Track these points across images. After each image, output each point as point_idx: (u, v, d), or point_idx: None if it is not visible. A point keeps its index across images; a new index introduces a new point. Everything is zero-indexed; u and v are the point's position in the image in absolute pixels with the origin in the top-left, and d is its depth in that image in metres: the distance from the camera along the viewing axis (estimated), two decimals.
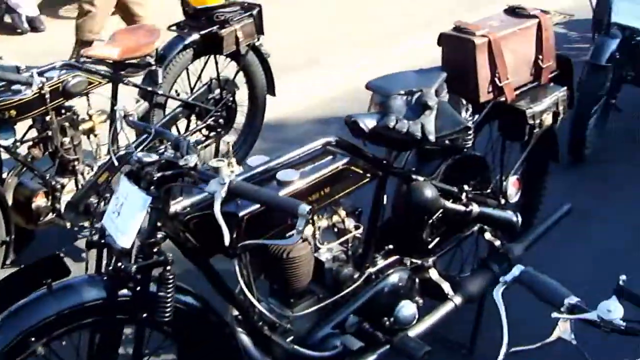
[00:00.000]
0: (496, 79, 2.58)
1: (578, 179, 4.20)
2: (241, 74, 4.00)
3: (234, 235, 1.85)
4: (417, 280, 2.50)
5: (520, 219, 2.73)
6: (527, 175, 3.03)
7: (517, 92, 2.70)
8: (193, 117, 3.87)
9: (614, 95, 4.47)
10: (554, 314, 1.15)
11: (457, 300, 2.51)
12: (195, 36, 3.67)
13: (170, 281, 1.75)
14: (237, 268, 2.00)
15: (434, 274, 2.55)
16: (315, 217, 2.21)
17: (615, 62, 4.21)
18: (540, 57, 2.74)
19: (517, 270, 1.29)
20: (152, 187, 1.70)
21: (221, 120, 3.92)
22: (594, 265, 3.40)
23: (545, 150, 2.98)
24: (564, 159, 3.86)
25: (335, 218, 2.33)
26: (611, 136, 4.62)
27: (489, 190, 2.81)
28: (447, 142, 2.36)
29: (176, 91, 3.85)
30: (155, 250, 1.75)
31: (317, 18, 7.03)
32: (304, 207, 1.56)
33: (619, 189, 4.15)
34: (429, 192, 2.40)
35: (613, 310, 1.13)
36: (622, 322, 1.13)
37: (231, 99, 3.97)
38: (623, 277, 1.19)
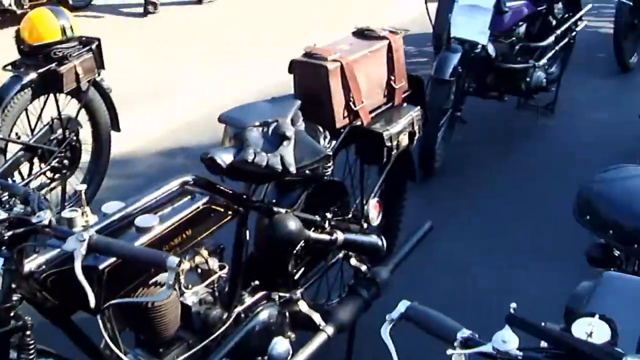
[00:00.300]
0: (351, 104, 2.67)
1: (430, 194, 4.41)
2: (83, 111, 3.93)
3: (97, 290, 1.80)
4: (287, 314, 2.53)
5: (385, 242, 2.82)
6: (386, 196, 3.15)
7: (373, 114, 2.80)
8: (36, 160, 3.78)
9: (458, 108, 4.73)
10: (449, 351, 1.19)
11: (329, 330, 2.53)
12: (32, 75, 3.57)
13: (31, 346, 1.68)
14: (100, 323, 1.94)
15: (303, 306, 2.59)
16: None
17: (458, 75, 4.47)
18: (393, 78, 2.87)
19: (402, 306, 1.33)
20: (3, 248, 1.63)
21: (66, 161, 3.86)
22: (453, 281, 3.59)
23: (402, 170, 3.11)
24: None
25: (198, 259, 2.32)
26: (458, 148, 4.89)
27: (350, 215, 2.89)
28: (307, 172, 2.41)
29: (16, 134, 3.74)
30: (12, 314, 1.67)
31: (160, 48, 7.02)
32: (173, 260, 1.55)
33: (470, 200, 4.39)
34: (292, 224, 2.44)
35: (508, 340, 1.18)
36: (518, 352, 1.18)
37: (75, 138, 3.90)
38: (513, 305, 1.25)
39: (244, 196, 2.39)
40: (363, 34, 2.88)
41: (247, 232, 2.44)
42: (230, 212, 2.30)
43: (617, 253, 1.96)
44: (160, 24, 7.85)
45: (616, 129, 5.46)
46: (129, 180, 4.48)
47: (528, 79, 5.07)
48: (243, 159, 2.25)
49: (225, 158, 2.26)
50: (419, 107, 2.95)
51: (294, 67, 2.70)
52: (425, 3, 4.83)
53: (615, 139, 5.27)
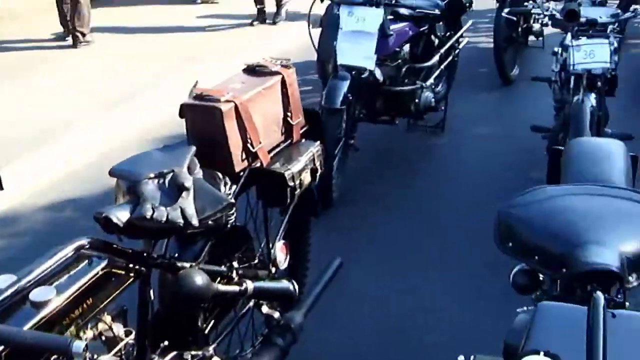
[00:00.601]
0: (249, 145, 2.58)
1: (331, 225, 4.36)
2: None
3: None
4: None
5: (296, 286, 2.74)
6: (291, 236, 3.07)
7: (272, 154, 2.72)
8: None
9: (351, 135, 4.72)
10: None
11: None
12: None
13: None
14: None
15: None
16: (80, 332, 2.03)
17: (348, 103, 4.46)
18: (289, 114, 2.80)
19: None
20: None
21: None
22: (369, 311, 3.55)
23: (306, 208, 3.04)
24: None
25: (102, 326, 2.15)
26: (353, 176, 4.88)
27: (256, 261, 2.80)
28: (210, 222, 2.30)
29: None
30: None
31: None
32: (79, 345, 1.42)
33: (371, 227, 4.38)
34: (199, 279, 2.31)
35: None
36: None
37: None
38: (461, 357, 1.21)
39: (145, 254, 2.25)
40: (254, 71, 2.80)
41: (151, 291, 2.30)
42: (132, 274, 2.16)
43: (541, 277, 1.95)
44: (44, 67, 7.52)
45: (504, 142, 5.61)
46: (16, 239, 4.25)
47: (417, 100, 5.14)
48: (141, 216, 2.12)
49: (121, 216, 2.11)
50: (318, 143, 2.90)
51: (184, 111, 2.58)
52: (309, 31, 4.80)
53: (504, 152, 5.42)
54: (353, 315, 3.53)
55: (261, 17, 9.14)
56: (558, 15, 4.20)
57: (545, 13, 4.30)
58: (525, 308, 1.84)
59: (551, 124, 4.91)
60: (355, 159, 4.94)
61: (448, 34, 5.81)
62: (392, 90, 4.98)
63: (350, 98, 4.48)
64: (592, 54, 4.02)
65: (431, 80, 5.35)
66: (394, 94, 5.01)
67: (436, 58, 5.41)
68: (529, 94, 6.52)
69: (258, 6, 9.10)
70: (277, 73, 2.78)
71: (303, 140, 2.90)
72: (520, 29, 7.23)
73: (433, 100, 5.33)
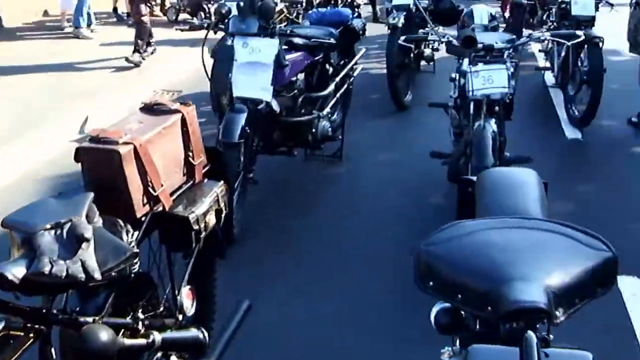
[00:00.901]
0: (150, 189, 2.48)
1: (233, 262, 4.27)
2: None
3: None
4: None
5: (206, 333, 2.65)
6: (197, 281, 2.98)
7: (174, 197, 2.63)
8: None
9: (250, 169, 4.66)
10: None
11: None
12: None
13: None
14: None
15: None
16: None
17: (246, 136, 4.41)
18: (191, 154, 2.72)
19: None
20: None
21: None
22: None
23: (211, 250, 2.96)
24: None
25: None
26: (254, 210, 4.81)
27: (162, 309, 2.69)
28: (113, 274, 2.19)
29: None
30: None
31: None
32: None
33: (275, 262, 4.32)
34: (103, 334, 2.19)
35: None
36: None
37: None
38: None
39: (44, 311, 2.12)
40: (152, 109, 2.71)
41: (53, 350, 2.17)
42: (31, 334, 2.02)
43: (464, 314, 1.93)
44: None
45: (403, 168, 5.69)
46: None
47: (314, 130, 5.15)
48: (38, 271, 1.99)
49: (16, 272, 1.98)
50: (222, 182, 2.83)
51: (80, 154, 2.46)
52: (203, 63, 4.73)
53: (403, 179, 5.49)
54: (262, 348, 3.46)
55: (139, 51, 8.91)
56: (455, 42, 4.27)
57: (443, 40, 4.38)
58: (449, 349, 1.82)
59: (449, 149, 5.00)
60: (254, 191, 4.88)
61: (342, 62, 5.86)
62: (289, 121, 4.96)
63: (248, 131, 4.43)
64: (490, 80, 4.11)
65: (327, 109, 5.37)
66: (291, 124, 4.99)
67: (332, 87, 5.44)
68: (424, 119, 6.66)
69: (138, 40, 8.89)
70: (176, 111, 2.69)
71: (206, 180, 2.82)
72: (412, 55, 7.39)
73: (330, 129, 5.35)
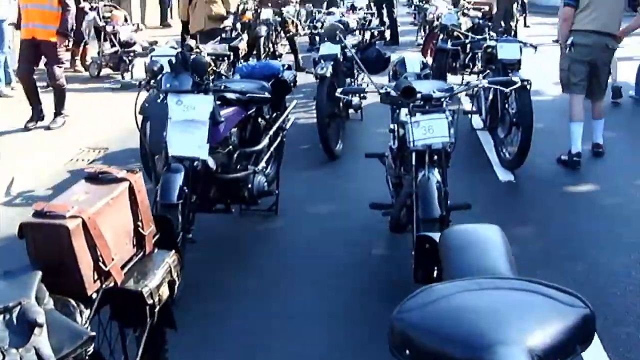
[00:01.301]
0: (100, 264, 2.36)
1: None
2: None
3: None
4: None
5: None
6: (149, 354, 2.84)
7: (125, 270, 2.51)
8: None
9: (188, 229, 4.55)
10: None
11: None
12: None
13: None
14: None
15: None
16: None
17: (185, 196, 4.30)
18: (140, 224, 2.61)
19: None
20: None
21: None
22: None
23: (163, 321, 2.83)
24: None
25: None
26: (192, 270, 4.68)
27: None
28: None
29: None
30: None
31: None
32: None
33: (216, 323, 4.20)
34: None
35: None
36: None
37: None
38: None
39: None
40: (98, 178, 2.59)
41: None
42: None
43: None
44: None
45: (342, 220, 5.65)
46: None
47: (250, 186, 5.07)
48: None
49: None
50: (173, 252, 2.72)
51: (25, 231, 2.32)
52: (136, 121, 4.62)
53: (342, 230, 5.45)
54: None
55: (36, 116, 8.57)
56: (393, 93, 4.27)
57: (381, 91, 4.36)
58: None
59: (387, 199, 4.99)
60: (191, 250, 4.75)
61: (274, 114, 5.82)
62: (225, 178, 4.86)
63: (186, 191, 4.32)
64: (431, 130, 4.11)
65: (262, 164, 5.31)
66: (228, 181, 4.90)
67: (266, 141, 5.38)
68: (358, 169, 6.66)
69: (57, 105, 8.58)
70: (123, 179, 2.58)
71: (156, 250, 2.71)
72: (341, 104, 7.42)
73: (266, 184, 5.28)
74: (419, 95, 4.14)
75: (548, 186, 6.44)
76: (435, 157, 4.19)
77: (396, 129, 4.60)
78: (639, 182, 6.50)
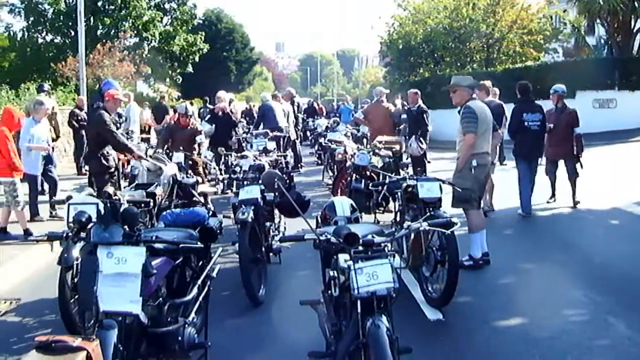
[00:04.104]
0: None
1: None
2: None
3: None
4: None
5: None
6: None
7: None
8: None
9: None
10: None
11: None
12: None
13: None
14: None
15: None
16: None
17: (121, 355, 4.06)
18: None
19: None
20: None
21: None
22: None
23: None
24: None
25: None
26: None
27: None
28: None
29: None
30: None
31: None
32: None
33: None
34: None
35: None
36: None
37: None
38: None
39: None
40: (50, 348, 2.39)
41: None
42: None
43: None
44: None
45: None
46: None
47: (180, 338, 4.84)
48: None
49: None
50: None
51: None
52: (62, 275, 4.38)
53: None
54: None
55: None
56: (333, 239, 4.22)
57: (322, 238, 4.30)
58: None
59: (321, 347, 4.83)
60: None
61: (200, 262, 5.66)
62: (157, 332, 4.64)
63: (121, 348, 4.08)
64: (375, 276, 4.04)
65: (192, 315, 5.10)
66: (159, 336, 4.66)
67: (194, 291, 5.20)
68: (285, 315, 6.52)
69: None
70: (80, 349, 2.40)
71: None
72: (263, 248, 7.32)
73: (196, 336, 5.06)
74: (360, 241, 4.10)
75: (477, 322, 6.43)
76: (381, 303, 4.12)
77: (337, 275, 4.49)
78: (564, 312, 6.59)
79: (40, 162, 10.84)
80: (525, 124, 11.03)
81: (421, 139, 13.12)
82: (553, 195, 12.13)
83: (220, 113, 14.62)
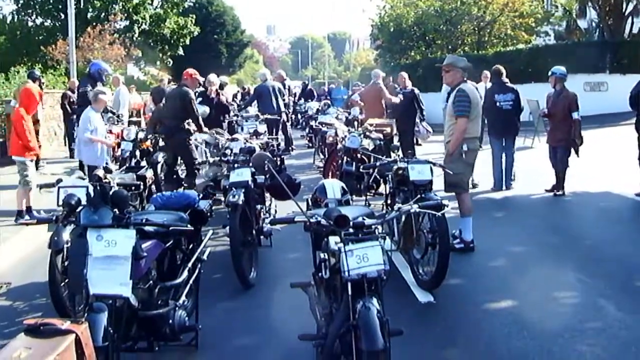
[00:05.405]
0: None
1: None
2: None
3: None
4: None
5: None
6: None
7: None
8: None
9: None
10: None
11: None
12: None
13: None
14: None
15: None
16: None
17: (111, 338, 4.04)
18: None
19: None
20: None
21: None
22: None
23: None
24: None
25: None
26: None
27: None
28: None
29: None
30: None
31: None
32: None
33: None
34: None
35: None
36: None
37: None
38: None
39: None
40: (39, 331, 2.37)
41: None
42: None
43: None
44: None
45: (266, 353, 5.46)
46: None
47: (171, 322, 4.84)
48: None
49: None
50: None
51: None
52: (52, 259, 4.36)
53: None
54: None
55: None
56: (324, 221, 4.20)
57: (312, 220, 4.27)
58: None
59: (312, 329, 4.82)
60: None
61: (191, 246, 5.64)
62: (147, 315, 4.63)
63: (111, 331, 4.06)
64: (365, 258, 4.02)
65: (183, 298, 5.09)
66: (149, 318, 4.66)
67: (185, 274, 5.19)
68: (277, 297, 6.53)
69: None
70: (68, 332, 2.38)
71: None
72: (254, 231, 7.30)
73: (187, 319, 5.06)
74: (351, 224, 4.08)
75: (468, 306, 6.43)
76: (372, 286, 4.10)
77: (327, 257, 4.48)
78: (555, 294, 6.61)
79: (105, 155, 10.39)
80: (497, 104, 11.89)
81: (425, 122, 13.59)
82: (557, 186, 11.64)
83: (212, 95, 14.54)
